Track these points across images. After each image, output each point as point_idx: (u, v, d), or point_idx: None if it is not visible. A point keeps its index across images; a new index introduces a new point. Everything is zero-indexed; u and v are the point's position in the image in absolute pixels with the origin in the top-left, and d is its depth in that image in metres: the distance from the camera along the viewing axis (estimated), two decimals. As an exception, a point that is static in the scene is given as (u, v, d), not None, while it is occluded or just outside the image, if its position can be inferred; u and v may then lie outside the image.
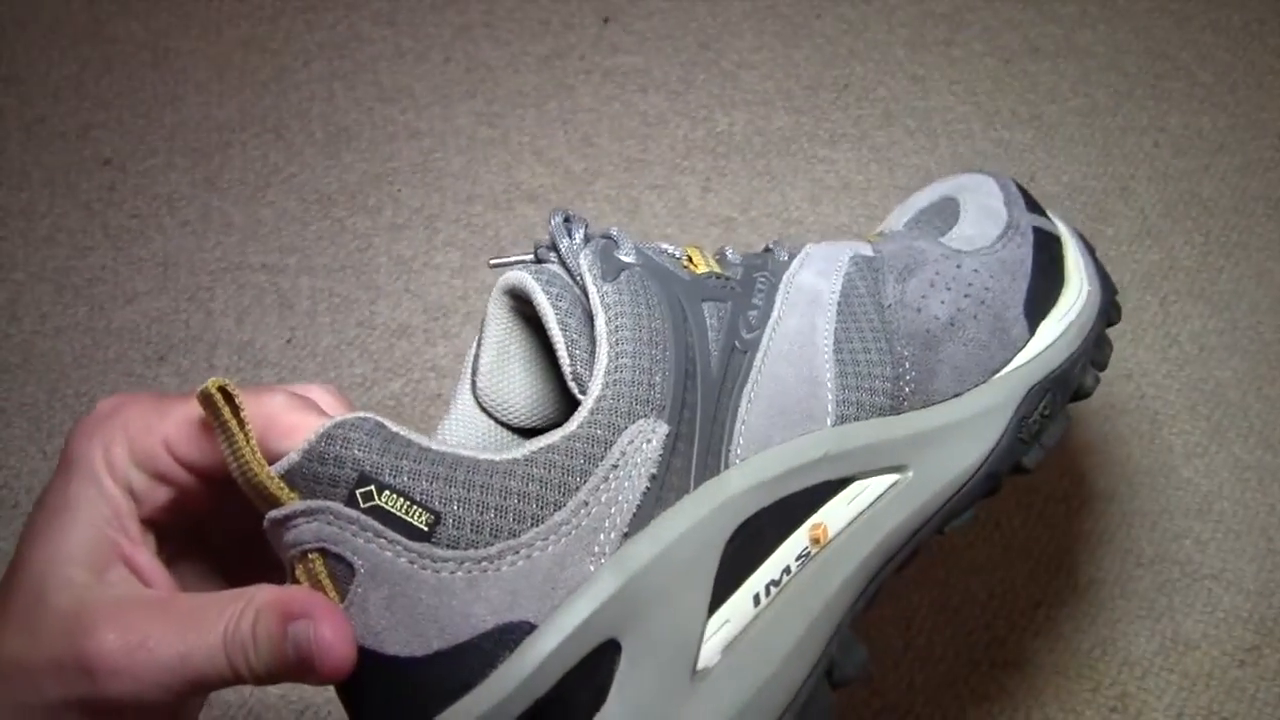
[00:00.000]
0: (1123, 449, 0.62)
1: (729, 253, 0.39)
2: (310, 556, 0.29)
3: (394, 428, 0.29)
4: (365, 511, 0.28)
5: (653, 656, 0.30)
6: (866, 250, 0.39)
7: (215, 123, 0.83)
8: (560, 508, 0.29)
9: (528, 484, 0.29)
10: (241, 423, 0.28)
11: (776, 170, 0.77)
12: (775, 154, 0.79)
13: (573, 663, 0.29)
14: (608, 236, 0.36)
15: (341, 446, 0.29)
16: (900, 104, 0.81)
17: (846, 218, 0.74)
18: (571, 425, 0.30)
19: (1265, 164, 0.76)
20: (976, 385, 0.37)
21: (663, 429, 0.31)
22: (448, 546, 0.28)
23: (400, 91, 0.85)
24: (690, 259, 0.37)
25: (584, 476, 0.30)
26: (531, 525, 0.29)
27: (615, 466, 0.30)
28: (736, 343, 0.35)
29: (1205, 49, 0.83)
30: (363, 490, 0.28)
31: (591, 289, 0.33)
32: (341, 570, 0.29)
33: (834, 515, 0.34)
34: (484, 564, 0.29)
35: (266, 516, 0.29)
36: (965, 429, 0.36)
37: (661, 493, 0.31)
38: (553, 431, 0.31)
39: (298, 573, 0.29)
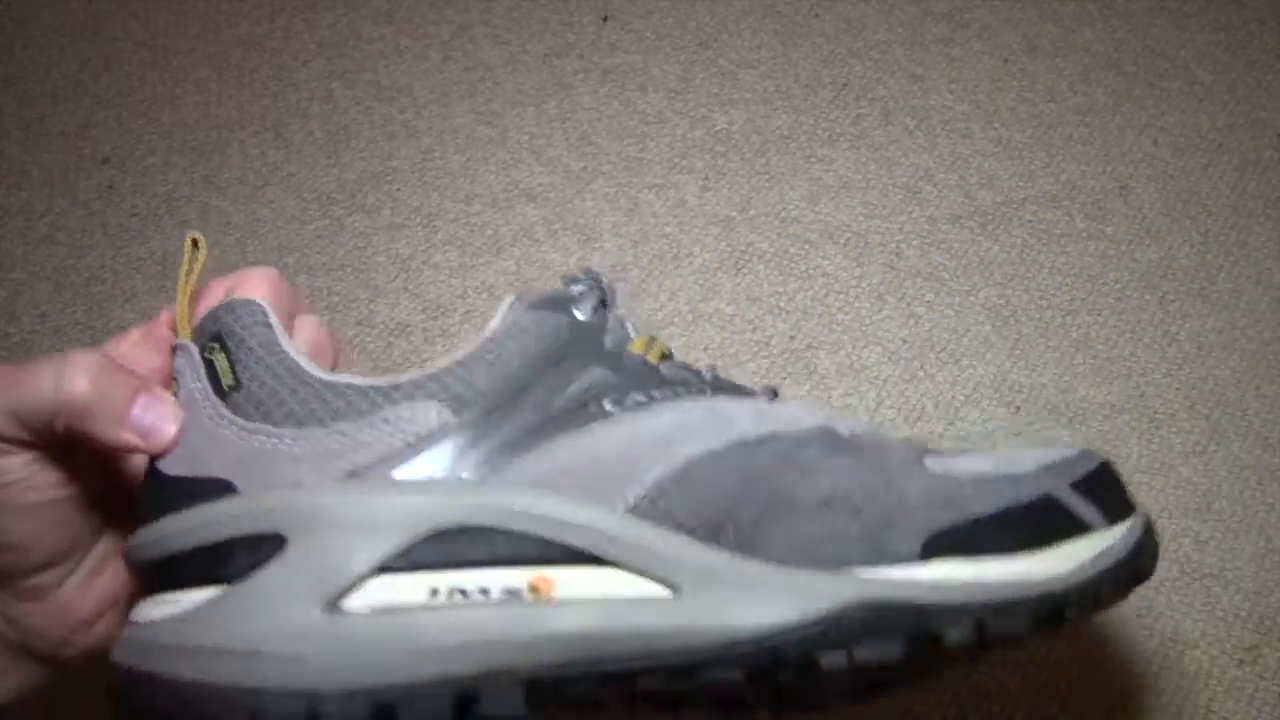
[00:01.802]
0: (1121, 448, 0.62)
1: (679, 360, 0.39)
2: (173, 380, 0.37)
3: (273, 321, 0.37)
4: (204, 358, 0.36)
5: (305, 567, 0.33)
6: (838, 429, 0.38)
7: (214, 122, 0.83)
8: (321, 425, 0.34)
9: (313, 396, 0.35)
10: (191, 273, 0.39)
11: (775, 169, 0.77)
12: (774, 153, 0.79)
13: (245, 531, 0.33)
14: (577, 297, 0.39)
15: (226, 312, 0.37)
16: (899, 103, 0.81)
17: (846, 216, 0.74)
18: (380, 380, 0.35)
19: (1264, 163, 0.76)
20: (814, 568, 0.34)
21: (444, 415, 0.34)
22: (231, 409, 0.35)
23: (399, 90, 0.85)
24: (648, 343, 0.39)
25: (355, 415, 0.34)
26: (292, 425, 0.34)
27: (385, 421, 0.34)
28: (595, 406, 0.36)
29: (1204, 48, 0.83)
30: (212, 344, 0.37)
31: (509, 306, 0.38)
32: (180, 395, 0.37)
33: (572, 582, 0.33)
34: (242, 433, 0.35)
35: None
36: (766, 591, 0.33)
37: (410, 461, 0.34)
38: (376, 380, 0.35)
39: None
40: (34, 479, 0.35)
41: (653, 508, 0.34)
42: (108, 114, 0.84)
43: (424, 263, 0.74)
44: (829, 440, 0.37)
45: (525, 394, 0.35)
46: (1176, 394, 0.65)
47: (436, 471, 0.34)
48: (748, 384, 0.42)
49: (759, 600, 0.33)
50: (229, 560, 0.33)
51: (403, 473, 0.34)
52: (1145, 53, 0.83)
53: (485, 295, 0.71)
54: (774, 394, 0.40)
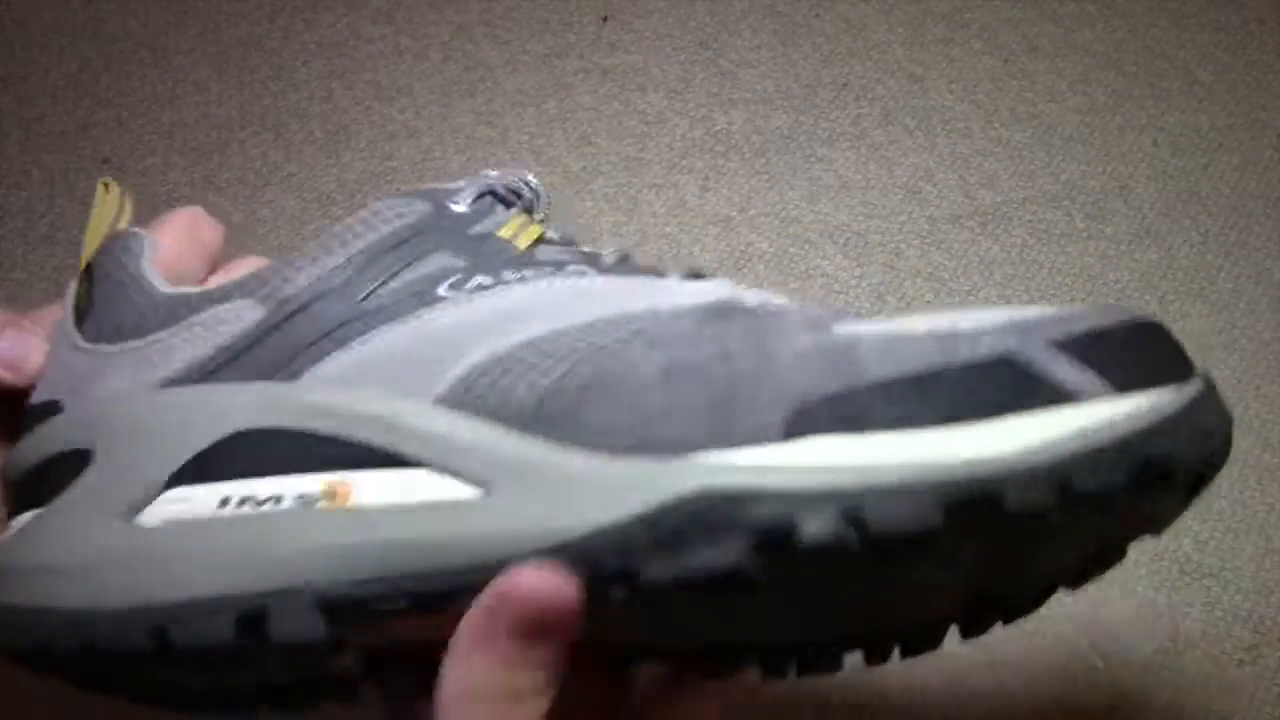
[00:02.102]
0: (1121, 448, 0.62)
1: (577, 246, 0.34)
2: None
3: (145, 247, 0.36)
4: (76, 289, 0.35)
5: (103, 481, 0.31)
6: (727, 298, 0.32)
7: (214, 121, 0.83)
8: (144, 335, 0.33)
9: (148, 309, 0.34)
10: (101, 218, 0.38)
11: (775, 169, 0.77)
12: (774, 153, 0.79)
13: (58, 449, 0.32)
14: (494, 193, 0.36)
15: (105, 246, 0.37)
16: (899, 103, 0.81)
17: (846, 216, 0.74)
18: (208, 287, 0.34)
19: (1264, 163, 0.76)
20: (648, 453, 0.28)
21: (256, 313, 0.32)
22: (83, 333, 0.34)
23: (399, 90, 0.85)
24: (521, 225, 0.34)
25: (173, 321, 0.33)
26: (120, 340, 0.33)
27: (194, 325, 0.32)
28: (425, 293, 0.31)
29: (1204, 48, 0.83)
30: (83, 274, 0.36)
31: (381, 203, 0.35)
32: None
33: (372, 485, 0.29)
34: (77, 353, 0.34)
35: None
36: (583, 487, 0.28)
37: (219, 366, 0.32)
38: (207, 287, 0.34)
39: None
40: None
41: (466, 395, 0.29)
42: (108, 114, 0.84)
43: (424, 263, 0.73)
44: (717, 311, 0.31)
45: (347, 286, 0.32)
46: (1176, 394, 0.65)
47: (242, 375, 0.31)
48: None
49: (575, 497, 0.28)
50: (45, 481, 0.32)
51: (209, 381, 0.32)
52: (1145, 53, 0.83)
53: (485, 295, 0.71)
54: (698, 274, 0.33)
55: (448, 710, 0.28)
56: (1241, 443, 0.63)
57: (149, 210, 0.79)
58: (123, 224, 0.38)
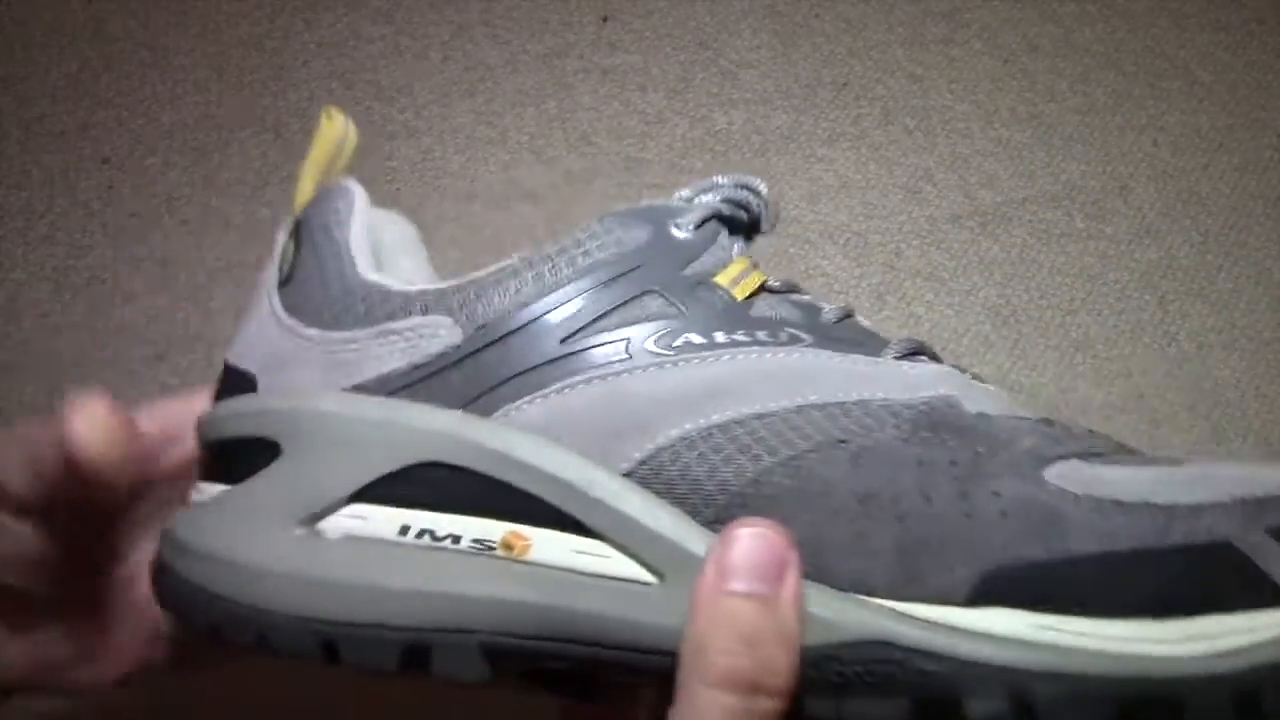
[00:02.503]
0: (1121, 448, 0.62)
1: (798, 297, 0.33)
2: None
3: (357, 208, 0.35)
4: (286, 242, 0.35)
5: (289, 482, 0.31)
6: (962, 406, 0.30)
7: (214, 121, 0.83)
8: (342, 329, 0.32)
9: (345, 295, 0.33)
10: (322, 150, 0.36)
11: (775, 169, 0.77)
12: (774, 153, 0.78)
13: (250, 432, 0.32)
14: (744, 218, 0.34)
15: (316, 199, 0.35)
16: (899, 103, 0.81)
17: (846, 216, 0.74)
18: (410, 287, 0.33)
19: (1264, 163, 0.76)
20: (825, 582, 0.27)
21: (454, 336, 0.31)
22: (283, 300, 0.34)
23: (399, 90, 0.84)
24: (743, 271, 0.32)
25: (370, 322, 0.32)
26: (319, 326, 0.32)
27: (390, 334, 0.32)
28: (630, 344, 0.30)
29: (1204, 48, 0.83)
30: (294, 229, 0.35)
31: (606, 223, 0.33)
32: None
33: (549, 546, 0.29)
34: (279, 328, 0.33)
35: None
36: None
37: (412, 383, 0.31)
38: (405, 286, 0.33)
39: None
40: (44, 545, 0.34)
41: (656, 475, 0.29)
42: (108, 114, 0.84)
43: (424, 263, 0.73)
44: (932, 418, 0.29)
45: (550, 322, 0.30)
46: (1176, 394, 0.65)
47: (434, 398, 0.31)
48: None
49: None
50: (236, 460, 0.32)
51: (400, 395, 0.31)
52: (1145, 53, 0.83)
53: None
54: (920, 350, 0.32)
55: None
56: (1242, 443, 0.63)
57: (149, 210, 0.79)
58: (342, 162, 0.36)
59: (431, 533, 0.30)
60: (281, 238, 0.35)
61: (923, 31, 0.86)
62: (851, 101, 0.81)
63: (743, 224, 0.34)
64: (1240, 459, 0.26)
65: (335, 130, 0.36)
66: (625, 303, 0.31)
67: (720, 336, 0.30)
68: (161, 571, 0.33)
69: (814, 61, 0.84)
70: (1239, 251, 0.71)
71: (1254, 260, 0.71)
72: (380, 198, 0.83)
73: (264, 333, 0.34)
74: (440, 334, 0.31)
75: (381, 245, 0.36)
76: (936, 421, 0.29)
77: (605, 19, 0.89)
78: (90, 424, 0.32)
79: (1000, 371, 0.66)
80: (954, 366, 0.32)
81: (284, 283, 0.34)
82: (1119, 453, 0.29)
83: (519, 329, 0.31)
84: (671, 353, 0.30)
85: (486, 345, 0.31)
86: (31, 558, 0.34)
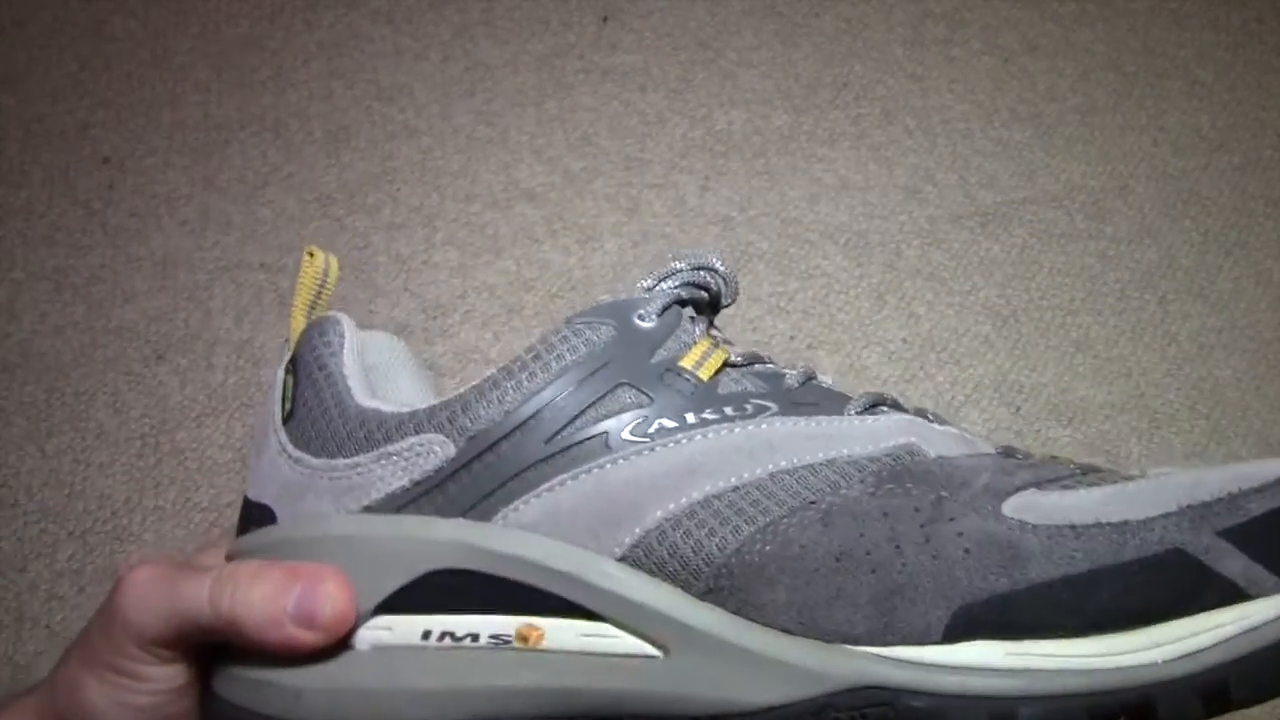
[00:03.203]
0: (1121, 447, 0.62)
1: (761, 367, 0.34)
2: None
3: (346, 340, 0.36)
4: (282, 380, 0.37)
5: None
6: (925, 451, 0.32)
7: (214, 121, 0.83)
8: (346, 456, 0.34)
9: (345, 425, 0.34)
10: (305, 286, 0.37)
11: (775, 169, 0.77)
12: (774, 153, 0.78)
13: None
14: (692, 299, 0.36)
15: (308, 333, 0.36)
16: (899, 103, 0.81)
17: (846, 216, 0.74)
18: (401, 409, 0.34)
19: (1264, 163, 0.76)
20: (812, 636, 0.29)
21: (448, 450, 0.33)
22: (289, 434, 0.35)
23: (399, 90, 0.84)
24: (705, 351, 0.34)
25: (371, 447, 0.34)
26: (325, 456, 0.34)
27: (395, 456, 0.33)
28: (609, 436, 0.32)
29: (1204, 48, 0.83)
30: (290, 365, 0.37)
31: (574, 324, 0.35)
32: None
33: (560, 634, 0.31)
34: (289, 461, 0.35)
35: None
36: (757, 664, 0.30)
37: (416, 498, 0.33)
38: (399, 409, 0.35)
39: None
40: (182, 689, 0.35)
41: (648, 555, 0.31)
42: (108, 114, 0.84)
43: (424, 263, 0.73)
44: (895, 469, 0.31)
45: (537, 422, 0.33)
46: (1176, 394, 0.64)
47: (439, 510, 0.33)
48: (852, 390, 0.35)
49: (746, 673, 0.30)
50: None
51: (407, 510, 0.33)
52: (1145, 53, 0.83)
53: (485, 295, 0.71)
54: (880, 403, 0.34)
55: None
56: (1242, 443, 0.63)
57: (149, 209, 0.79)
58: (325, 296, 0.39)
59: (451, 634, 0.32)
60: (280, 375, 0.37)
61: (923, 31, 0.86)
62: (852, 101, 0.81)
63: (704, 303, 0.36)
64: (1194, 467, 0.28)
65: (316, 268, 0.38)
66: (600, 398, 0.33)
67: (691, 418, 0.32)
68: (210, 697, 0.35)
69: (814, 62, 0.84)
70: (1239, 251, 0.71)
71: (1254, 260, 0.71)
72: (380, 198, 0.83)
73: (275, 467, 0.35)
74: (435, 450, 0.33)
75: (375, 367, 0.38)
76: (899, 471, 0.31)
77: (605, 19, 0.89)
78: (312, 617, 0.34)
79: (1000, 371, 0.66)
80: (916, 411, 0.34)
81: (287, 419, 0.36)
82: (1076, 476, 0.31)
83: (505, 436, 0.33)
84: (647, 439, 0.32)
85: (478, 455, 0.33)
86: (169, 693, 0.35)
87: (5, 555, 0.61)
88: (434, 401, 0.35)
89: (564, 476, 0.32)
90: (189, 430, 0.65)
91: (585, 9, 0.89)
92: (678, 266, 0.35)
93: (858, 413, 0.33)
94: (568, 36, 0.87)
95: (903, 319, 0.69)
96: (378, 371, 0.38)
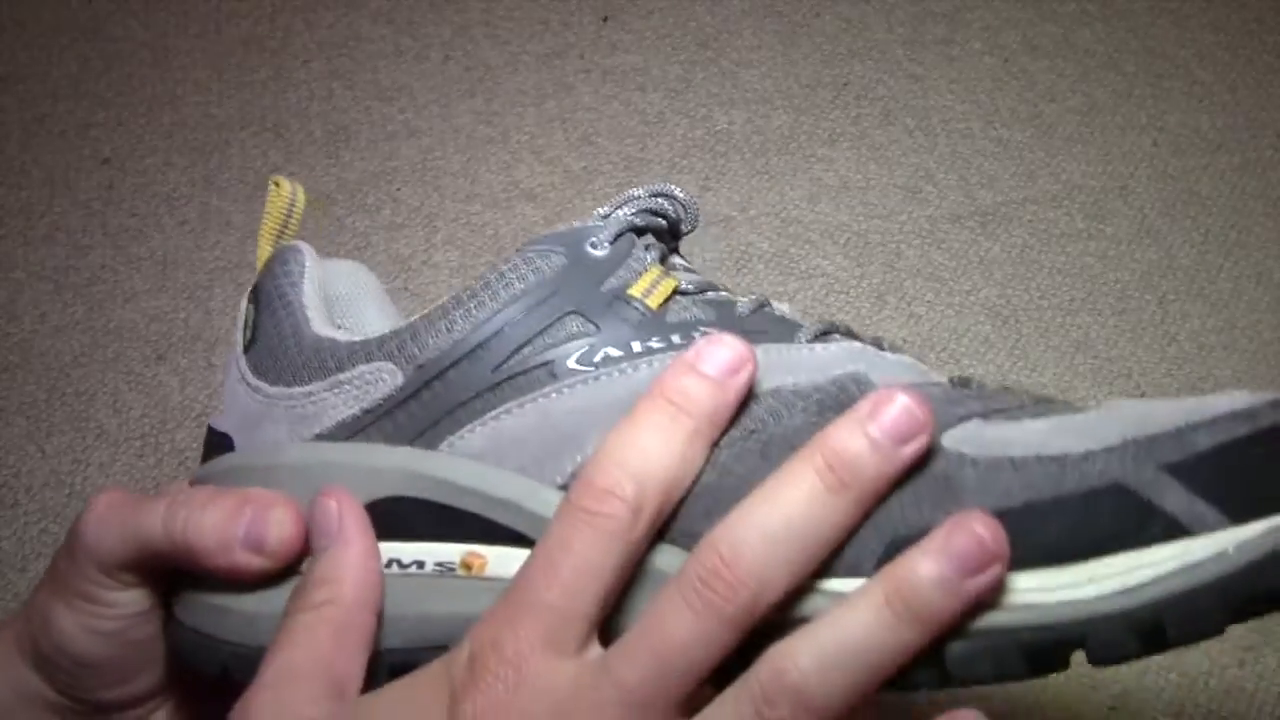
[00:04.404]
0: (1122, 448, 0.62)
1: (714, 295, 0.34)
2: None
3: (306, 268, 0.36)
4: (247, 307, 0.37)
5: None
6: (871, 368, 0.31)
7: (214, 121, 0.83)
8: (301, 384, 0.34)
9: (301, 353, 0.35)
10: (271, 215, 0.38)
11: (775, 169, 0.77)
12: (774, 153, 0.79)
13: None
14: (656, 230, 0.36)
15: (270, 263, 0.37)
16: (899, 103, 0.81)
17: (846, 216, 0.74)
18: (354, 337, 0.35)
19: (1264, 163, 0.76)
20: None
21: (396, 379, 0.33)
22: (249, 364, 0.36)
23: (399, 90, 0.85)
24: (655, 280, 0.34)
25: (324, 374, 0.34)
26: (282, 384, 0.35)
27: (347, 383, 0.34)
28: (555, 365, 0.32)
29: (1204, 48, 0.83)
30: (252, 294, 0.37)
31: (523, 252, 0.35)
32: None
33: (506, 561, 0.31)
34: (248, 390, 0.35)
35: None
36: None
37: (365, 426, 0.33)
38: (352, 338, 0.35)
39: None
40: (146, 614, 0.36)
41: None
42: (108, 114, 0.84)
43: (424, 263, 0.74)
44: (840, 398, 0.30)
45: (484, 351, 0.32)
46: (1177, 394, 0.65)
47: (387, 438, 0.33)
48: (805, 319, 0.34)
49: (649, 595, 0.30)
50: None
51: (357, 439, 0.33)
52: (1145, 53, 0.83)
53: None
54: (832, 330, 0.33)
55: None
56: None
57: (149, 209, 0.79)
58: (292, 226, 0.39)
59: (398, 560, 0.32)
60: (243, 304, 0.37)
61: (923, 31, 0.86)
62: (852, 101, 0.81)
63: (663, 230, 0.36)
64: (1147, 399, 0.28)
65: (283, 197, 0.38)
66: (548, 327, 0.33)
67: (637, 346, 0.32)
68: (172, 622, 0.35)
69: (814, 61, 0.84)
70: (1239, 252, 0.71)
71: (1254, 260, 0.71)
72: (380, 198, 0.83)
73: (235, 396, 0.36)
74: (384, 378, 0.33)
75: (340, 297, 0.38)
76: (844, 401, 0.30)
77: (605, 19, 0.89)
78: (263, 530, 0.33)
79: (1000, 371, 0.66)
80: (870, 341, 0.33)
81: (248, 347, 0.36)
82: (1024, 407, 0.30)
83: (453, 365, 0.33)
84: (592, 368, 0.32)
85: (426, 383, 0.33)
86: (133, 617, 0.36)
87: (5, 555, 0.61)
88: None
89: (510, 405, 0.32)
90: (189, 430, 0.65)
91: (585, 9, 0.89)
92: (635, 194, 0.35)
93: (808, 340, 0.32)
94: (568, 36, 0.87)
95: (903, 319, 0.69)
96: (342, 301, 0.38)
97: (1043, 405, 0.30)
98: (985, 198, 0.75)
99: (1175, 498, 0.26)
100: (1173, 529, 0.26)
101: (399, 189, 0.78)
